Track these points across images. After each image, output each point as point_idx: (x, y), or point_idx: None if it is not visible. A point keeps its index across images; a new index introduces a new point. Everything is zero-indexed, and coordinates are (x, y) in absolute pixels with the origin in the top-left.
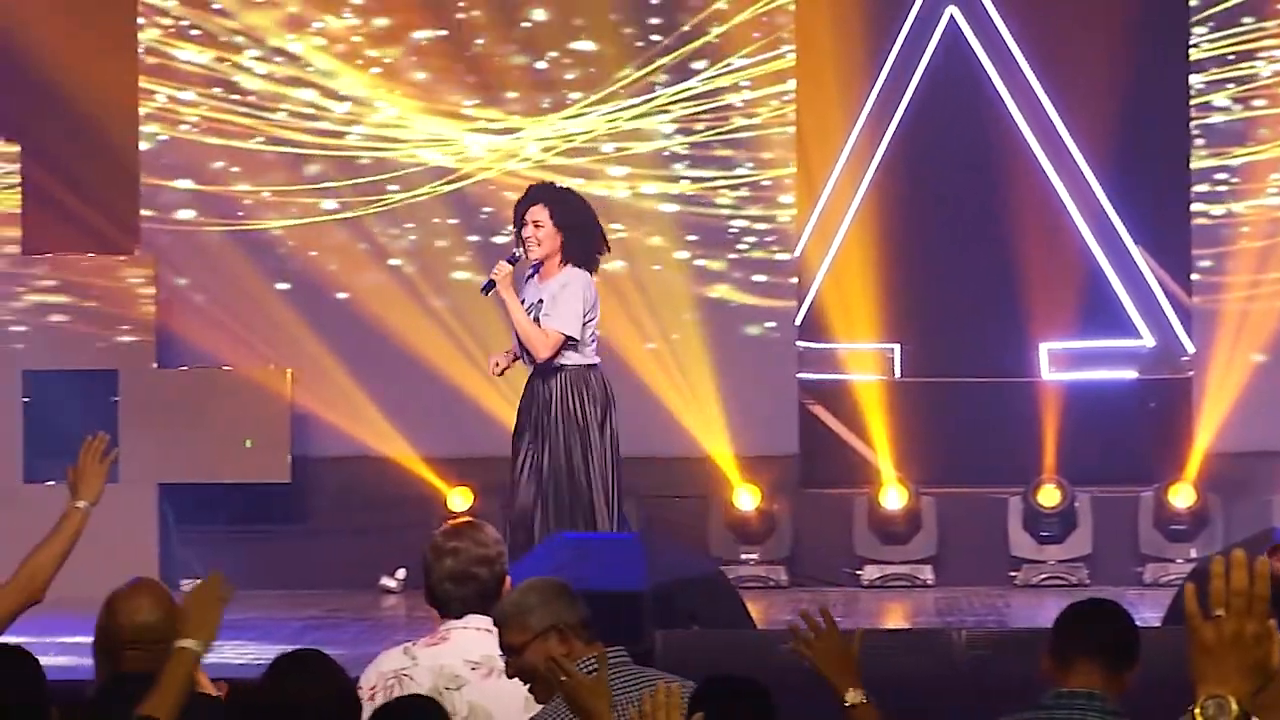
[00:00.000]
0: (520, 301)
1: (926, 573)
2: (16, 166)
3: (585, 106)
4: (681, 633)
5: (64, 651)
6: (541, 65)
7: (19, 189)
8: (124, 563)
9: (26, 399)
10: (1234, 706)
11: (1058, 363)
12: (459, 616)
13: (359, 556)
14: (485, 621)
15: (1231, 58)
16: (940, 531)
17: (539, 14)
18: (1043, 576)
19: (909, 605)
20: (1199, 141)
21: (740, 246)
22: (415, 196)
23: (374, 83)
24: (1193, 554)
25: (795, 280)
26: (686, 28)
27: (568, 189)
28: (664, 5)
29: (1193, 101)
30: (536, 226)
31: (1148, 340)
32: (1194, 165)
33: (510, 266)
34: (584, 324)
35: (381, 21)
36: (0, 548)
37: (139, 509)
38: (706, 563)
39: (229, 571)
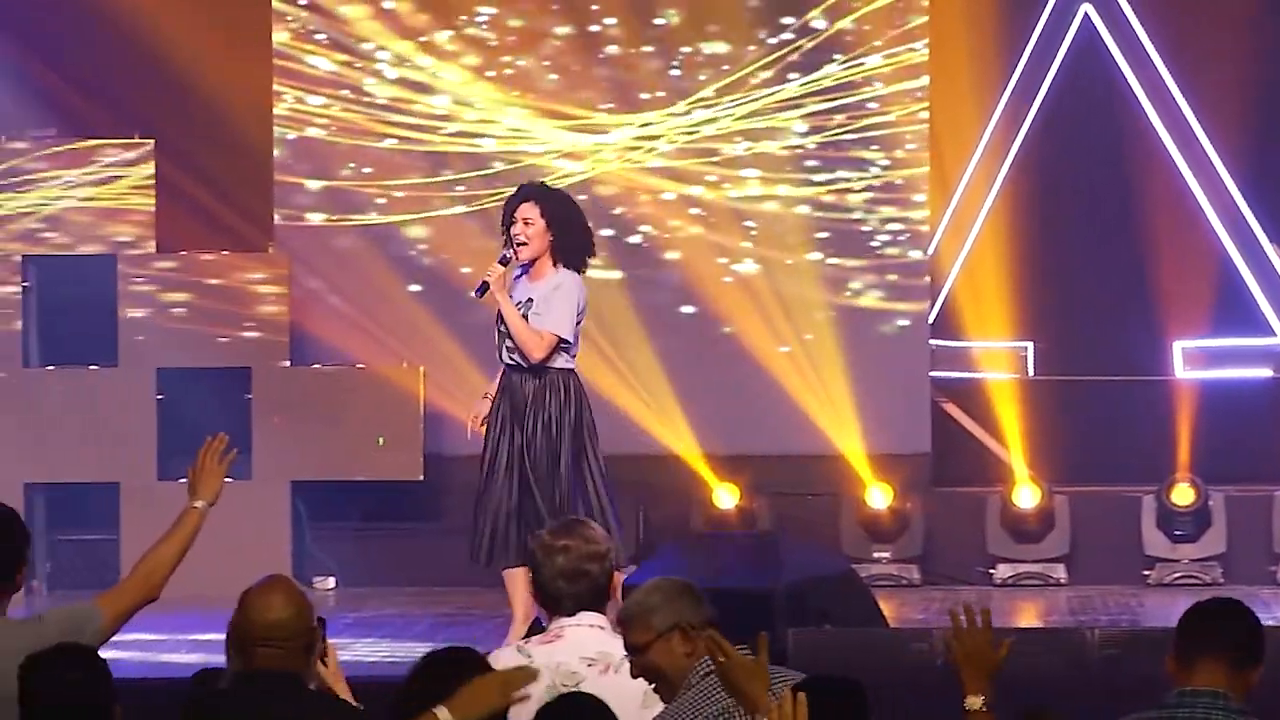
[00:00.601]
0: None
1: (1059, 571)
2: (151, 164)
3: (719, 109)
4: (814, 631)
5: (195, 649)
6: (673, 65)
7: (153, 187)
8: (257, 560)
9: (160, 396)
10: None
11: (1192, 361)
12: (571, 614)
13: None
14: (598, 618)
15: None
16: (1073, 530)
17: (671, 14)
18: (1176, 576)
19: (1041, 604)
20: None
21: (873, 245)
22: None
23: (506, 85)
24: None
25: (928, 279)
26: (819, 25)
27: (558, 189)
28: (796, 3)
29: None
30: (527, 224)
31: None
32: None
33: (503, 268)
34: (575, 326)
35: (515, 23)
36: (135, 544)
37: (272, 507)
38: (839, 561)
39: (361, 569)
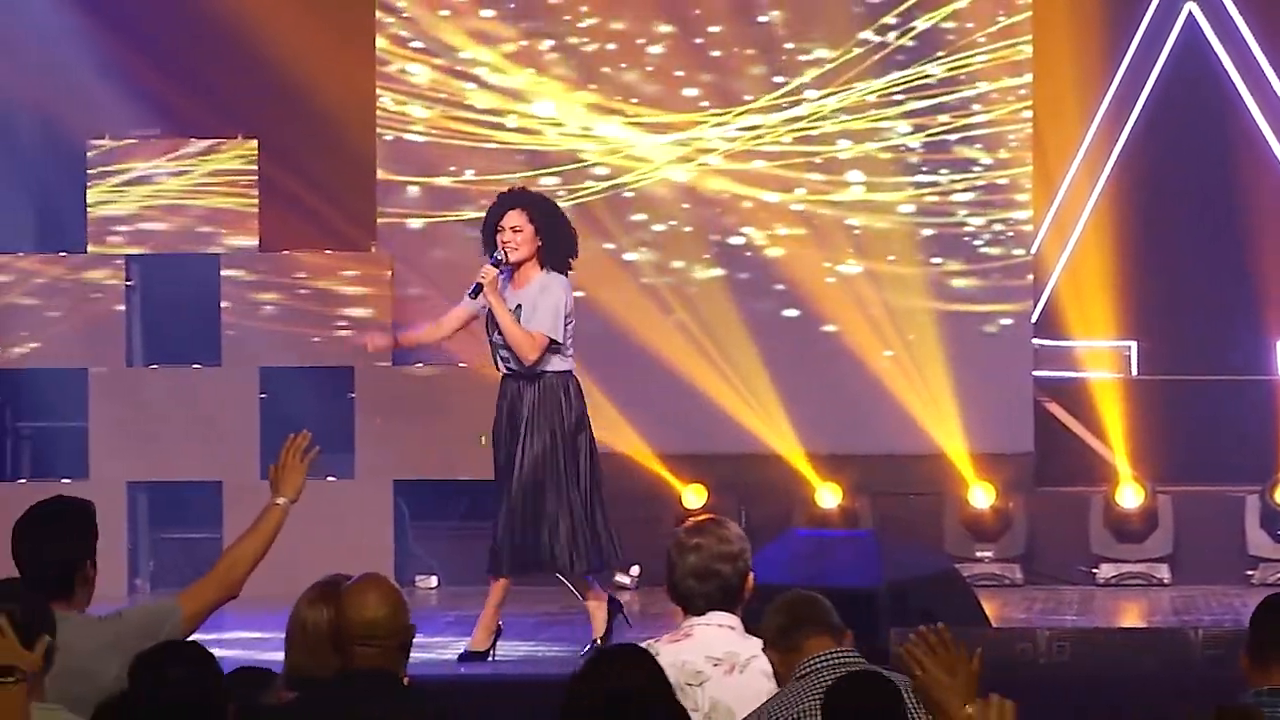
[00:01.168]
0: (483, 307)
1: (1163, 571)
2: (254, 164)
3: (822, 110)
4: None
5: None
6: (775, 66)
7: (256, 186)
8: (359, 559)
9: (263, 395)
10: None
11: None
12: (702, 613)
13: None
14: (729, 618)
15: None
16: (1177, 530)
17: (774, 14)
18: (1279, 576)
19: (1145, 604)
20: None
21: (976, 244)
22: (650, 196)
23: (608, 90)
24: None
25: (1031, 278)
26: (921, 25)
27: (543, 194)
28: (898, 1)
29: None
30: (515, 231)
31: None
32: None
33: (496, 270)
34: (565, 326)
35: (617, 26)
36: None
37: (374, 505)
38: (941, 560)
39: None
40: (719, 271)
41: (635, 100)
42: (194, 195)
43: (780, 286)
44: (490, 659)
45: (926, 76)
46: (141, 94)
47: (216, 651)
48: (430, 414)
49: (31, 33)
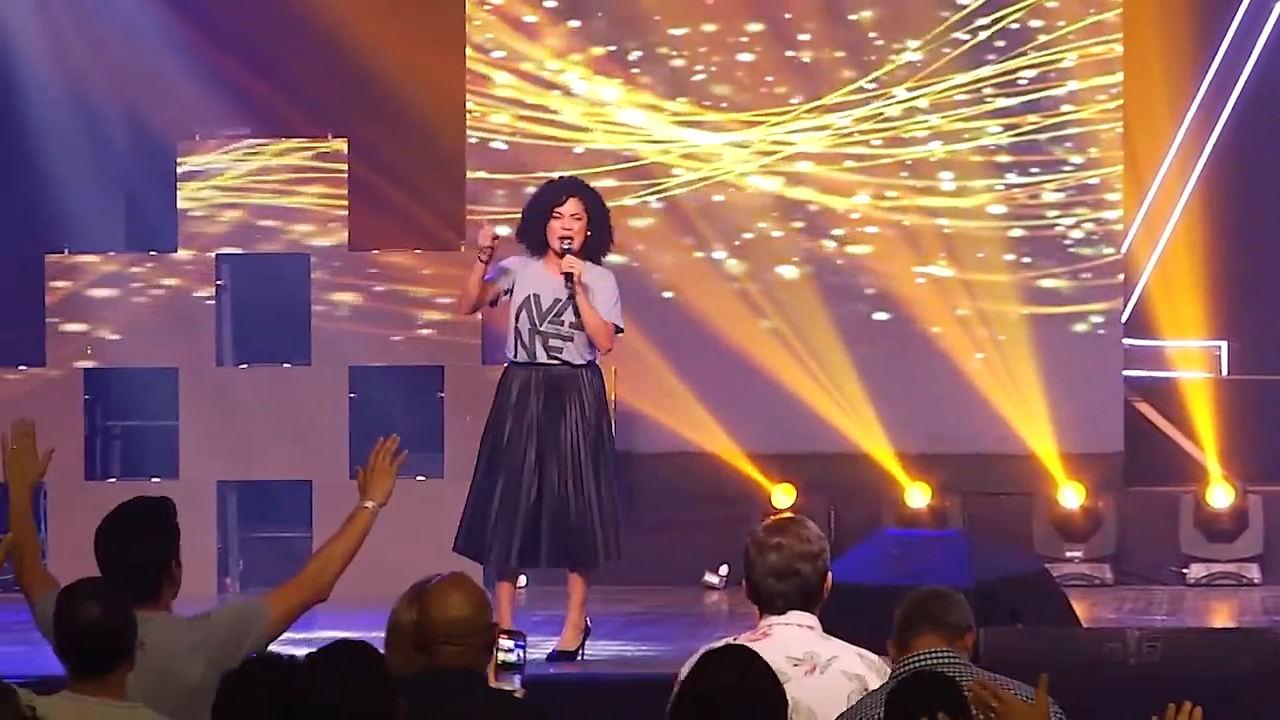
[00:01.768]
0: (531, 296)
1: (1253, 571)
2: (344, 163)
3: (912, 109)
4: (1005, 630)
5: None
6: (865, 66)
7: (345, 186)
8: (450, 558)
9: (353, 395)
10: None
11: None
12: (781, 613)
13: (681, 552)
14: (808, 618)
15: None
16: (1267, 530)
17: (865, 14)
18: None
19: (1235, 604)
20: None
21: (1066, 244)
22: (739, 199)
23: (697, 92)
24: None
25: (1122, 277)
26: (1012, 25)
27: (592, 186)
28: (989, 1)
29: None
30: (574, 218)
31: None
32: None
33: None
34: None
35: (709, 28)
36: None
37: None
38: (1031, 560)
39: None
40: (808, 273)
41: (724, 105)
42: (283, 195)
43: (870, 288)
44: (579, 658)
45: (1017, 76)
46: (231, 93)
47: (306, 652)
48: None
49: (122, 32)
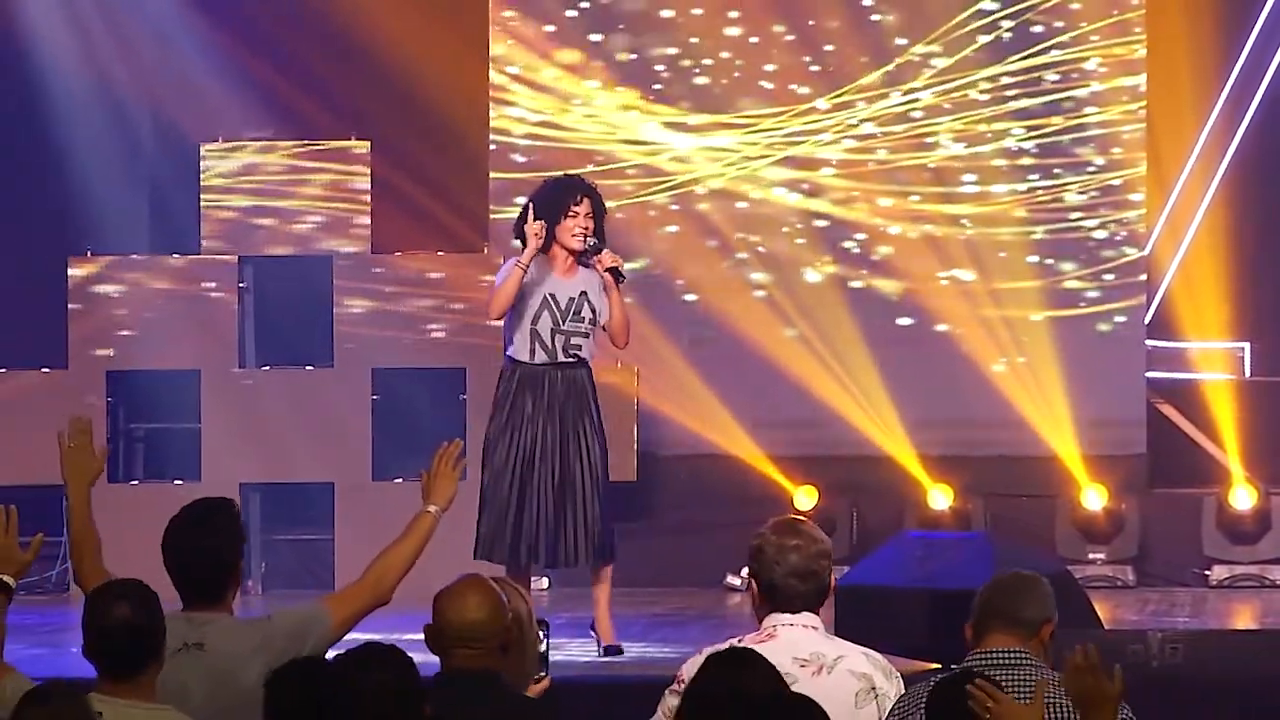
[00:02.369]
0: (550, 296)
1: (1276, 573)
2: (367, 165)
3: (934, 109)
4: None
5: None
6: (888, 70)
7: (369, 188)
8: (472, 561)
9: (375, 397)
10: None
11: None
12: (796, 613)
13: (703, 554)
14: (814, 619)
15: None
16: None
17: (889, 17)
18: None
19: (1258, 605)
20: None
21: (1089, 245)
22: (762, 200)
23: (719, 101)
24: None
25: (1144, 279)
26: (1036, 27)
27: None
28: (1012, 2)
29: None
30: (588, 217)
31: None
32: None
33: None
34: None
35: (731, 32)
36: (349, 545)
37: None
38: (1053, 562)
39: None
40: (831, 275)
41: (747, 110)
42: (307, 197)
43: (892, 289)
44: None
45: (1040, 78)
46: (255, 95)
47: (331, 651)
48: None
49: (148, 34)
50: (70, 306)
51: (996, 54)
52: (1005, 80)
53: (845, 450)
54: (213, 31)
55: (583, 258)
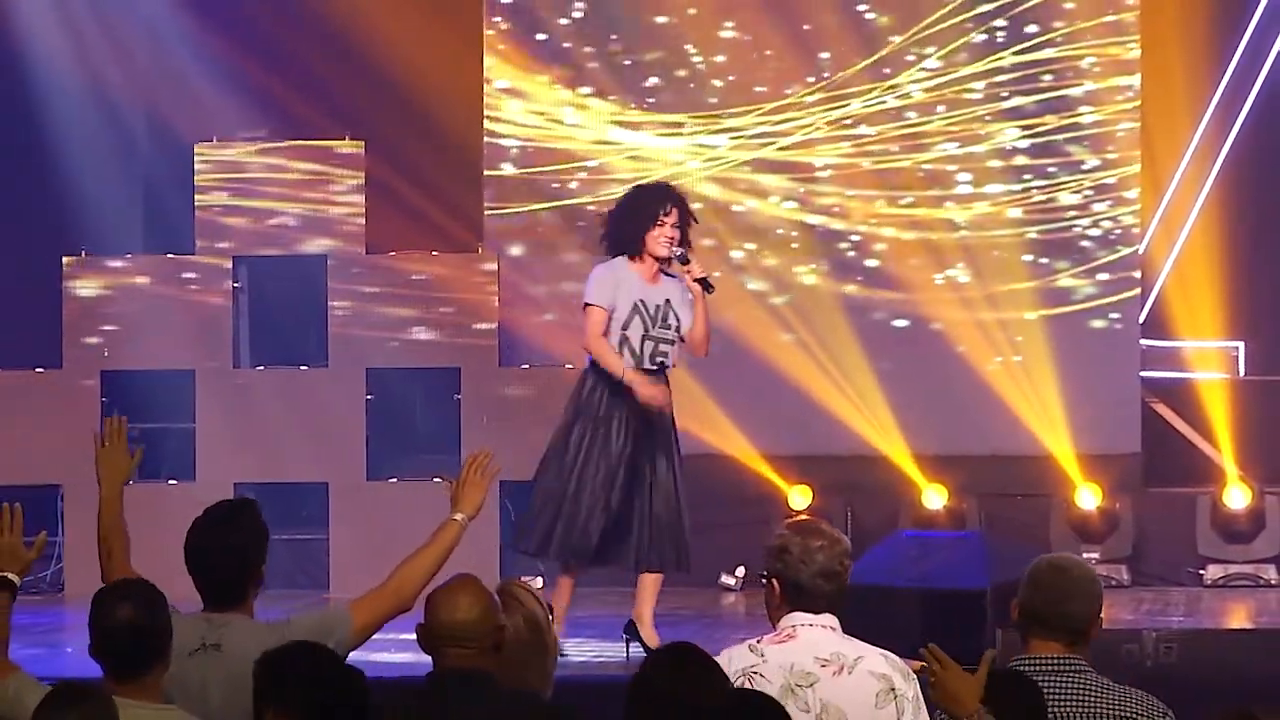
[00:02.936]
0: (640, 302)
1: (1270, 572)
2: (361, 165)
3: (928, 111)
4: None
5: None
6: (882, 71)
7: (363, 188)
8: (467, 560)
9: (370, 396)
10: None
11: None
12: (819, 613)
13: (698, 554)
14: (833, 619)
15: None
16: None
17: (883, 19)
18: None
19: (1252, 605)
20: None
21: (1084, 244)
22: (757, 202)
23: (713, 105)
24: None
25: (1139, 277)
26: (1030, 27)
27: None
28: (1007, 3)
29: None
30: (675, 227)
31: None
32: None
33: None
34: None
35: (728, 35)
36: (343, 544)
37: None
38: None
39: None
40: (826, 276)
41: (741, 114)
42: (301, 197)
43: (887, 289)
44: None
45: (1034, 77)
46: (249, 95)
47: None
48: (536, 414)
49: (142, 34)
50: (65, 306)
51: (990, 54)
52: (1000, 80)
53: (840, 450)
54: (206, 32)
55: (667, 266)
